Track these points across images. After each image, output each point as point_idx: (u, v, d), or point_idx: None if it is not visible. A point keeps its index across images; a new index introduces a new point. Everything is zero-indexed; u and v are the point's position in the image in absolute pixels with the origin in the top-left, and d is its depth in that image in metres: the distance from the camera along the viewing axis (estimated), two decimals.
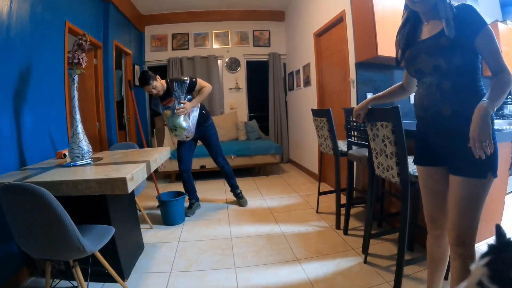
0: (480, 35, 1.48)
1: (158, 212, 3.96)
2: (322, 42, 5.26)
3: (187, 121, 3.87)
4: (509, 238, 1.07)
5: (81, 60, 2.57)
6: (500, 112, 4.97)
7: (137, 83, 6.46)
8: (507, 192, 3.53)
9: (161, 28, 7.16)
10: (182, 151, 4.10)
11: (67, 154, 2.88)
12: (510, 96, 5.15)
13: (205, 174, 6.03)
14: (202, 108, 4.08)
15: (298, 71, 6.52)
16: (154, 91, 3.72)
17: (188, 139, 4.05)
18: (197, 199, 4.29)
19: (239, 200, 4.43)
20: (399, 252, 2.21)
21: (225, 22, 7.33)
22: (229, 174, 4.36)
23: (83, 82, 4.30)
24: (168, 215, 3.75)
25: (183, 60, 7.06)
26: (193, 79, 3.87)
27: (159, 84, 3.73)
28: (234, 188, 4.44)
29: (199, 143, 4.36)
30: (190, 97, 3.92)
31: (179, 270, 2.69)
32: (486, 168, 1.55)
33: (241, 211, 4.15)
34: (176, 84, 3.81)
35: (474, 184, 1.56)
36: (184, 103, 3.77)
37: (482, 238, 2.66)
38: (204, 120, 4.11)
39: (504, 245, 1.07)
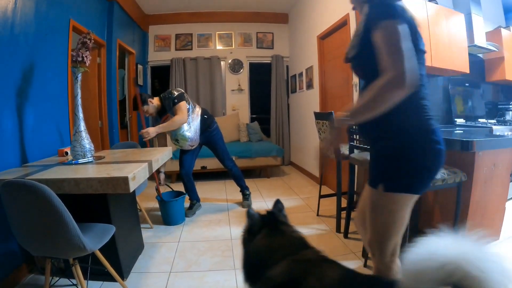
0: (375, 32, 1.33)
1: (159, 212, 3.95)
2: (326, 45, 5.26)
3: (190, 131, 3.84)
4: (275, 213, 1.59)
5: (85, 59, 2.57)
6: (502, 118, 4.96)
7: (140, 83, 6.49)
8: (508, 198, 3.53)
9: (165, 28, 7.17)
10: (185, 156, 4.08)
11: (69, 152, 2.89)
12: None
13: (206, 175, 6.03)
14: (204, 113, 4.07)
15: (300, 74, 6.52)
16: (147, 115, 3.83)
17: (193, 147, 4.05)
18: (198, 200, 4.27)
19: (244, 201, 4.43)
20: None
21: (228, 24, 7.34)
22: (237, 176, 4.38)
23: (86, 80, 4.30)
24: (168, 215, 3.75)
25: (186, 60, 7.06)
26: (175, 100, 3.71)
27: (150, 107, 3.76)
28: (243, 189, 4.45)
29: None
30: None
31: (178, 271, 2.69)
32: (378, 179, 1.49)
33: (241, 212, 4.14)
34: (167, 101, 3.76)
35: (371, 193, 1.52)
36: (146, 130, 3.54)
37: (484, 243, 2.65)
38: (208, 126, 4.07)
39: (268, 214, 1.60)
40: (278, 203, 1.64)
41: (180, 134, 3.78)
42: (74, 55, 2.55)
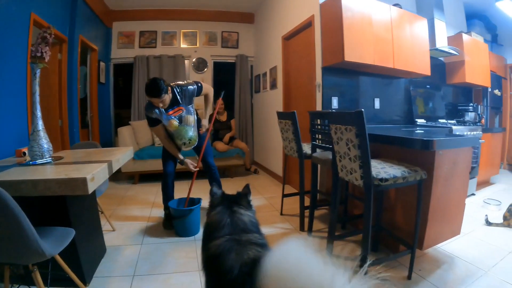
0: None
1: (120, 213, 3.83)
2: (290, 46, 5.33)
3: (195, 130, 3.68)
4: (236, 195, 1.79)
5: (44, 54, 2.47)
6: (462, 119, 5.22)
7: (102, 80, 6.31)
8: (467, 194, 3.70)
9: (129, 24, 7.00)
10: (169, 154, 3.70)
11: (26, 152, 2.78)
12: (471, 104, 5.44)
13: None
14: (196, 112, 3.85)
15: (265, 74, 6.57)
16: (161, 105, 3.28)
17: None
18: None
19: None
20: (362, 252, 2.26)
21: (194, 22, 7.28)
22: (218, 179, 3.91)
23: (46, 77, 4.15)
24: (185, 225, 3.40)
25: (150, 58, 6.93)
26: (199, 84, 3.59)
27: (167, 97, 3.28)
28: None
29: None
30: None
31: (142, 274, 2.64)
32: None
33: (205, 213, 4.09)
34: (184, 91, 3.50)
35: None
36: (205, 126, 3.76)
37: (445, 238, 2.78)
38: (199, 124, 3.83)
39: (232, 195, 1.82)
40: (246, 187, 1.81)
41: (193, 135, 3.63)
42: (33, 50, 2.45)
